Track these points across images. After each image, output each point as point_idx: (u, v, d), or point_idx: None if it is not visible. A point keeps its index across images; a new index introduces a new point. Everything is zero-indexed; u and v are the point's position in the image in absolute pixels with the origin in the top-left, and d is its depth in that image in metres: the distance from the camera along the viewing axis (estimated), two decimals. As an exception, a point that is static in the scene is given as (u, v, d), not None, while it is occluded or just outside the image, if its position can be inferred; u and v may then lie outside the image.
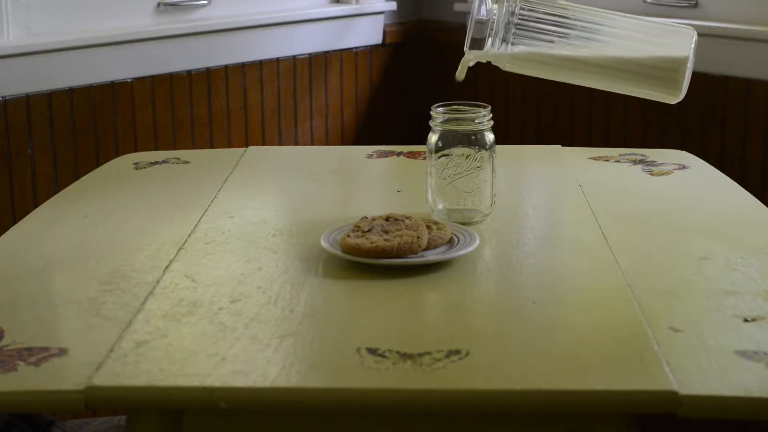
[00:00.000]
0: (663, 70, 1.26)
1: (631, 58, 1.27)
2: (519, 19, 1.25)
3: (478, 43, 1.27)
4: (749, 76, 2.24)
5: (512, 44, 1.26)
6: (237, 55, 2.44)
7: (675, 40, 1.27)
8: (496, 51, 1.27)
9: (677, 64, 1.26)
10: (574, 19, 1.26)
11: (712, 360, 0.94)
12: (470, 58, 1.29)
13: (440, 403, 0.90)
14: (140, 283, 1.14)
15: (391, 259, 1.17)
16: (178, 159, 1.71)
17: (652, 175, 1.60)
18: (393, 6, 2.75)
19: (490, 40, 1.26)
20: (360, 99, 2.72)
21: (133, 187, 1.56)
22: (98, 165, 1.96)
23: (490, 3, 1.26)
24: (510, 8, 1.25)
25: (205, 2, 2.40)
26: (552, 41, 1.26)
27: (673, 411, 0.88)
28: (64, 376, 0.92)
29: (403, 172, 1.65)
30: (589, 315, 1.08)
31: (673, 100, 1.29)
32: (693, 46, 1.26)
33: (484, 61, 1.29)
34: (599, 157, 1.70)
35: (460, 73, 1.31)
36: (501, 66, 1.29)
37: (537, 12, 1.26)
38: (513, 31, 1.25)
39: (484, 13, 1.26)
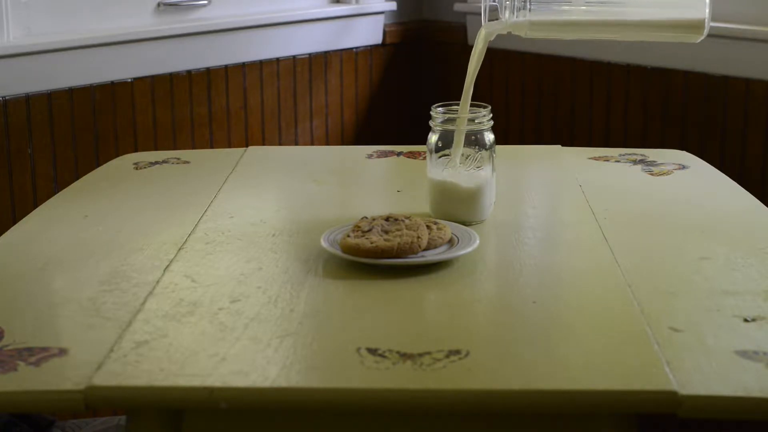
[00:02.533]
0: (684, 23, 1.26)
1: (650, 16, 1.27)
2: None
3: (495, 14, 1.26)
4: (749, 76, 2.24)
5: (530, 10, 1.25)
6: (237, 55, 2.44)
7: None
8: (515, 20, 1.26)
9: (697, 15, 1.25)
10: None
11: (712, 360, 0.94)
12: (490, 30, 1.28)
13: (440, 403, 0.90)
14: (140, 283, 1.14)
15: (391, 259, 1.17)
16: (178, 159, 1.71)
17: (652, 175, 1.60)
18: (393, 6, 2.75)
19: (507, 11, 1.25)
20: (360, 99, 2.72)
21: (133, 187, 1.56)
22: (98, 165, 1.96)
23: None
24: None
25: (205, 2, 2.40)
26: (569, 0, 1.25)
27: (673, 411, 0.88)
28: (64, 376, 0.92)
29: (403, 172, 1.65)
30: (589, 315, 1.08)
31: (697, 40, 1.28)
32: None
33: (504, 32, 1.28)
34: (599, 157, 1.70)
35: (481, 53, 1.30)
36: (522, 34, 1.28)
37: None
38: None
39: None
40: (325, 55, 2.62)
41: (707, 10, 1.25)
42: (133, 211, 1.43)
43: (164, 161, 1.69)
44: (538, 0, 1.26)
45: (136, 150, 2.25)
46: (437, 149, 1.34)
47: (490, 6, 1.27)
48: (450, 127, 1.33)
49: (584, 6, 1.26)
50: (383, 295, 1.11)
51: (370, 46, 2.73)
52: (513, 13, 1.26)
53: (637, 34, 1.30)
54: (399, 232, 1.20)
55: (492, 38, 1.30)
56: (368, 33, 2.71)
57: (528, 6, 1.25)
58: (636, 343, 0.98)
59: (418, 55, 2.84)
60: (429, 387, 0.90)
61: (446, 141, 1.33)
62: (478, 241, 1.22)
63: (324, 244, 1.21)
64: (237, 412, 0.98)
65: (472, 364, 0.94)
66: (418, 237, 1.19)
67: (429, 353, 0.95)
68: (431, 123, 1.34)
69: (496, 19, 1.27)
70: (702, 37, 1.27)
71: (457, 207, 1.33)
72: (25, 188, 2.10)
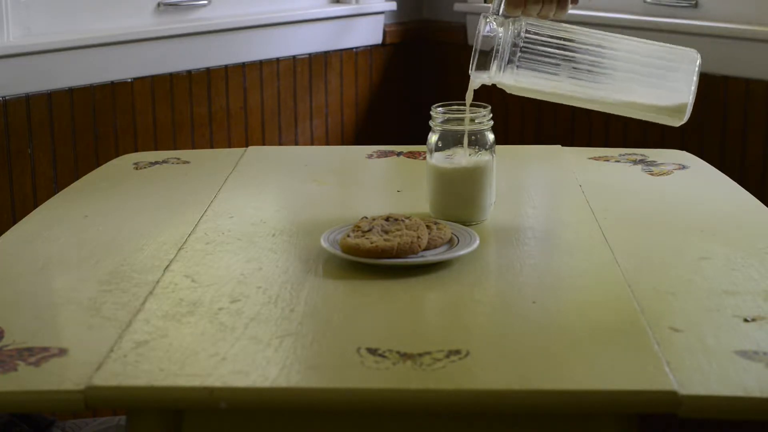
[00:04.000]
0: (667, 106, 1.27)
1: (634, 96, 1.28)
2: (524, 42, 1.26)
3: (483, 64, 1.27)
4: (749, 76, 2.24)
5: (518, 67, 1.26)
6: (237, 55, 2.44)
7: (679, 70, 1.27)
8: (501, 77, 1.27)
9: (680, 101, 1.26)
10: (580, 43, 1.27)
11: (712, 360, 0.94)
12: (477, 82, 1.30)
13: (440, 403, 0.90)
14: (140, 283, 1.14)
15: (391, 259, 1.17)
16: (178, 159, 1.71)
17: (652, 175, 1.60)
18: (393, 6, 2.75)
19: (495, 64, 1.26)
20: (360, 99, 2.72)
21: (133, 187, 1.56)
22: (98, 165, 1.96)
23: (495, 25, 1.26)
24: (516, 30, 1.25)
25: (205, 2, 2.40)
26: (558, 64, 1.26)
27: (673, 411, 0.88)
28: (64, 376, 0.92)
29: (403, 172, 1.65)
30: (589, 315, 1.08)
31: (677, 124, 1.29)
32: (695, 75, 1.26)
33: (489, 84, 1.30)
34: (599, 157, 1.70)
35: (468, 97, 1.32)
36: (506, 90, 1.30)
37: (542, 35, 1.26)
38: (518, 54, 1.25)
39: (489, 33, 1.26)
40: (325, 55, 2.62)
41: (691, 97, 1.26)
42: (133, 211, 1.43)
43: (164, 161, 1.69)
44: (527, 57, 1.26)
45: (136, 150, 2.25)
46: (437, 149, 1.34)
47: (480, 46, 1.27)
48: (450, 127, 1.33)
49: (570, 76, 1.27)
50: (383, 295, 1.11)
51: (370, 46, 2.73)
52: (500, 70, 1.26)
53: (619, 110, 1.31)
54: (399, 232, 1.20)
55: (476, 88, 1.31)
56: (368, 33, 2.71)
57: (516, 63, 1.26)
58: (636, 343, 0.98)
59: (418, 55, 2.84)
60: (429, 387, 0.90)
61: (446, 141, 1.33)
62: (478, 241, 1.22)
63: (324, 244, 1.21)
64: (237, 412, 0.98)
65: (472, 364, 0.94)
66: (418, 237, 1.19)
67: (429, 353, 0.95)
68: (431, 123, 1.34)
69: (484, 69, 1.27)
70: (682, 122, 1.28)
71: (457, 189, 1.32)
72: (25, 188, 2.10)
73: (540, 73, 1.27)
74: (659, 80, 1.27)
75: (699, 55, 1.27)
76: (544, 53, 1.26)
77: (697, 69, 1.26)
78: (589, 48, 1.27)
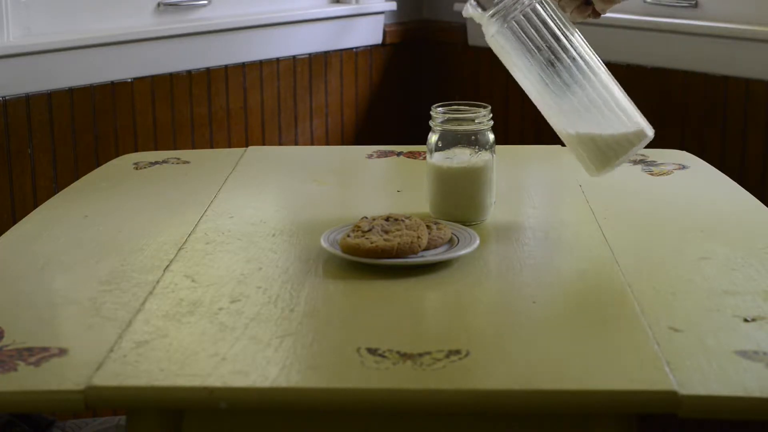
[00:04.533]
0: (595, 153, 1.29)
1: (577, 123, 1.29)
2: (530, 9, 1.26)
3: (485, 4, 1.28)
4: (749, 76, 2.24)
5: (507, 26, 1.26)
6: (237, 55, 2.44)
7: (628, 132, 1.28)
8: (488, 22, 1.28)
9: (608, 159, 1.29)
10: (572, 47, 1.27)
11: (712, 360, 0.94)
12: (469, 11, 1.30)
13: (440, 403, 0.90)
14: (140, 283, 1.14)
15: (391, 259, 1.17)
16: (178, 159, 1.71)
17: (652, 175, 1.60)
18: (393, 6, 2.74)
19: (492, 9, 1.27)
20: (360, 99, 2.72)
21: (133, 187, 1.56)
22: (98, 165, 1.96)
23: None
24: None
25: (205, 2, 2.40)
26: (539, 48, 1.26)
27: (673, 411, 0.88)
28: (64, 376, 0.92)
29: (403, 172, 1.65)
30: (589, 315, 1.08)
31: (590, 175, 1.33)
32: (636, 148, 1.29)
33: (477, 22, 1.30)
34: (599, 157, 1.70)
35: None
36: (486, 36, 1.30)
37: (548, 17, 1.26)
38: (515, 16, 1.26)
39: None
40: (325, 55, 2.62)
41: (617, 163, 1.29)
42: (133, 211, 1.43)
43: (164, 161, 1.69)
44: (521, 22, 1.26)
45: (136, 150, 2.24)
46: (437, 149, 1.34)
47: None
48: (450, 127, 1.33)
49: (540, 67, 1.27)
50: (383, 295, 1.11)
51: (370, 46, 2.73)
52: (492, 17, 1.27)
53: (557, 130, 1.32)
54: (399, 232, 1.20)
55: (466, 17, 1.32)
56: (368, 33, 2.71)
57: (507, 22, 1.26)
58: (636, 343, 0.98)
59: (418, 55, 2.84)
60: (429, 387, 0.90)
61: (446, 141, 1.33)
62: (478, 241, 1.22)
63: (324, 244, 1.21)
64: (237, 412, 0.98)
65: (472, 364, 0.94)
66: (418, 237, 1.19)
67: (429, 353, 0.95)
68: (431, 123, 1.34)
69: (483, 8, 1.28)
70: (596, 176, 1.32)
71: (457, 189, 1.32)
72: (25, 188, 2.10)
73: (520, 45, 1.27)
74: (606, 127, 1.28)
75: (652, 134, 1.29)
76: (536, 29, 1.26)
77: (639, 145, 1.29)
78: (576, 57, 1.27)
